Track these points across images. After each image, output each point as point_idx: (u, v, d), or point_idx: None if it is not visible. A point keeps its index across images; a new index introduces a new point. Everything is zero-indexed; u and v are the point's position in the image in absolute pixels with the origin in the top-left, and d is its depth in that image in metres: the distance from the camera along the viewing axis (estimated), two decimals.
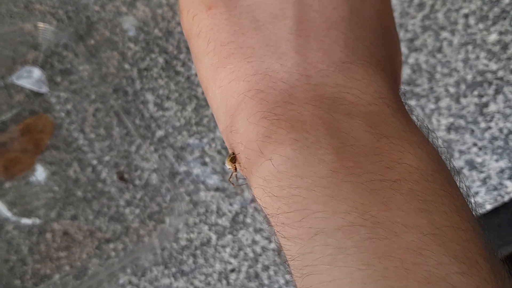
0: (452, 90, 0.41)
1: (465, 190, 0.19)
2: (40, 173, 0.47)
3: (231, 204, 0.45)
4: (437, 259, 0.16)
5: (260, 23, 0.20)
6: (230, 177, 0.23)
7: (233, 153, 0.21)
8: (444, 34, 0.41)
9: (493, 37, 0.40)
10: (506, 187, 0.41)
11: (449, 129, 0.40)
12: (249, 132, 0.20)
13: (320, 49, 0.20)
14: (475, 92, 0.41)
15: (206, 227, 0.46)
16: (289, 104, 0.19)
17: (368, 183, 0.17)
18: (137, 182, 0.47)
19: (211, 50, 0.21)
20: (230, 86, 0.21)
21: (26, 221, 0.48)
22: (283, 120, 0.19)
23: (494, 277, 0.17)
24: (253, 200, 0.45)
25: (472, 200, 0.19)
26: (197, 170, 0.45)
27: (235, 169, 0.22)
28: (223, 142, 0.45)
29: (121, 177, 0.47)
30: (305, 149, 0.18)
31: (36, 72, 0.48)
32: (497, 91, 0.40)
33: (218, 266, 0.46)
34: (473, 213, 0.19)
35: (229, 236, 0.45)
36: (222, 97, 0.21)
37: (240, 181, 0.22)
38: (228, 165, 0.22)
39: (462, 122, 0.41)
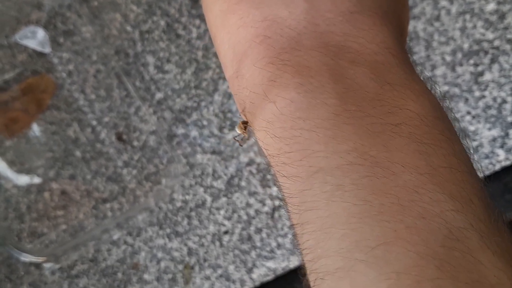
0: (448, 58, 0.41)
1: (466, 142, 0.20)
2: (40, 132, 0.48)
3: (226, 167, 0.46)
4: (432, 197, 0.17)
5: None
6: (241, 142, 0.23)
7: (245, 121, 0.22)
8: (443, 3, 0.41)
9: (491, 6, 0.41)
10: (498, 155, 0.41)
11: (443, 97, 0.41)
12: (255, 77, 0.20)
13: None
14: (471, 61, 0.41)
15: (201, 189, 0.46)
16: (295, 50, 0.20)
17: (369, 125, 0.18)
18: (135, 143, 0.48)
19: None
20: (238, 32, 0.21)
21: (25, 178, 0.48)
22: (289, 65, 0.19)
23: (487, 216, 0.17)
24: (249, 163, 0.46)
25: (472, 152, 0.20)
26: (194, 132, 0.46)
27: (245, 130, 0.22)
28: (221, 105, 0.46)
29: (119, 138, 0.48)
30: (309, 93, 0.19)
31: (40, 32, 0.49)
32: (493, 61, 0.41)
33: (212, 228, 0.46)
34: (471, 159, 0.19)
35: (224, 199, 0.46)
36: (230, 44, 0.21)
37: (249, 141, 0.23)
38: (239, 130, 0.22)
39: (457, 90, 0.41)
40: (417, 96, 0.19)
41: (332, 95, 0.18)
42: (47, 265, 0.47)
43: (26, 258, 0.44)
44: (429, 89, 0.20)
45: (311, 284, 0.18)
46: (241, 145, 0.24)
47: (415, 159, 0.17)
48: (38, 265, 0.47)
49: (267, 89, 0.19)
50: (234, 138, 0.44)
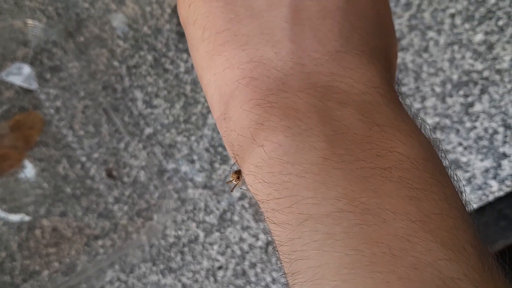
0: (438, 89, 0.41)
1: (457, 182, 0.19)
2: (29, 170, 0.48)
3: (218, 202, 0.46)
4: (424, 246, 0.16)
5: (256, 11, 0.20)
6: (233, 189, 0.23)
7: (239, 170, 0.21)
8: (431, 34, 0.41)
9: (479, 37, 0.40)
10: (491, 186, 0.41)
11: (434, 128, 0.41)
12: (242, 119, 0.20)
13: (315, 38, 0.20)
14: (461, 92, 0.41)
15: (194, 225, 0.46)
16: (282, 92, 0.19)
17: (359, 170, 0.18)
18: (125, 179, 0.47)
19: (207, 37, 0.21)
20: (224, 74, 0.21)
21: (15, 217, 0.48)
22: (276, 107, 0.19)
23: (481, 264, 0.17)
24: (241, 197, 0.45)
25: (464, 192, 0.19)
26: (185, 167, 0.46)
27: (239, 180, 0.22)
28: (211, 139, 0.46)
29: (109, 174, 0.47)
30: (297, 136, 0.18)
31: (26, 69, 0.48)
32: (483, 91, 0.41)
33: (205, 263, 0.46)
34: (463, 202, 0.19)
35: (217, 234, 0.46)
36: (217, 85, 0.21)
37: (244, 186, 0.22)
38: (232, 178, 0.22)
39: (447, 121, 0.41)
40: (406, 137, 0.18)
41: (321, 138, 0.18)
42: None
43: None
44: (419, 127, 0.20)
45: None
46: (232, 191, 0.24)
47: (406, 205, 0.17)
48: None
49: (255, 132, 0.19)
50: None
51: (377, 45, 0.21)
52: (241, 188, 0.23)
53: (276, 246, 0.19)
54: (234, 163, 0.22)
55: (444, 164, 0.19)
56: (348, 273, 0.16)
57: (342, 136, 0.18)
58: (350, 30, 0.20)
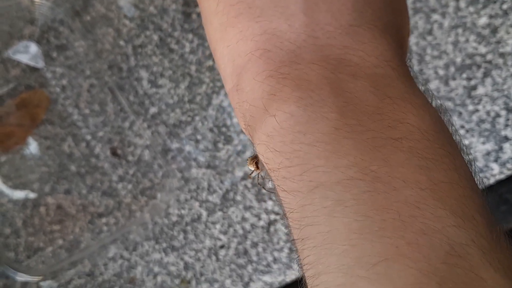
0: (441, 72, 0.41)
1: (466, 155, 0.20)
2: (34, 147, 0.48)
3: (222, 182, 0.46)
4: (434, 213, 0.17)
5: None
6: (258, 179, 0.23)
7: (255, 155, 0.22)
8: (435, 17, 0.41)
9: (483, 20, 0.41)
10: (492, 169, 0.41)
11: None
12: (254, 90, 0.20)
13: (329, 11, 0.20)
14: (464, 75, 0.41)
15: (197, 204, 0.46)
16: (295, 64, 0.20)
17: (370, 140, 0.18)
18: (130, 158, 0.48)
19: (221, 10, 0.21)
20: (237, 46, 0.21)
21: (20, 194, 0.48)
22: (288, 79, 0.19)
23: (489, 232, 0.17)
24: (243, 177, 0.46)
25: (474, 164, 0.20)
26: (189, 147, 0.46)
27: (257, 168, 0.22)
28: (215, 120, 0.46)
29: (114, 153, 0.48)
30: (309, 107, 0.19)
31: (33, 47, 0.48)
32: (486, 74, 0.41)
33: (208, 242, 0.46)
34: (473, 174, 0.19)
35: (219, 213, 0.46)
36: (230, 57, 0.21)
37: (270, 183, 0.22)
38: (250, 166, 0.22)
39: (450, 104, 0.41)
40: (417, 109, 0.19)
41: (332, 109, 0.18)
42: (44, 283, 0.47)
43: (22, 277, 0.44)
44: (430, 102, 0.20)
45: None
46: (259, 184, 0.24)
47: (416, 174, 0.17)
48: (35, 283, 0.47)
49: (267, 103, 0.19)
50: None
51: (390, 21, 0.21)
52: (261, 179, 0.23)
53: (285, 214, 0.19)
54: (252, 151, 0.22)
55: (454, 138, 0.20)
56: (358, 238, 0.17)
57: (353, 107, 0.18)
58: (363, 5, 0.20)
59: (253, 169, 0.23)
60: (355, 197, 0.17)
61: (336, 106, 0.18)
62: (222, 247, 0.46)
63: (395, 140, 0.18)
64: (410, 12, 0.41)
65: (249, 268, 0.46)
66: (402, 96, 0.19)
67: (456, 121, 0.41)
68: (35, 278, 0.44)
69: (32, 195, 0.48)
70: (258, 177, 0.23)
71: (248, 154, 0.46)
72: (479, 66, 0.41)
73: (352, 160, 0.18)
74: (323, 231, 0.17)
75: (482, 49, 0.41)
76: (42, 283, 0.46)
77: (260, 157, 0.20)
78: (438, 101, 0.20)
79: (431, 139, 0.18)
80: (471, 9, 0.41)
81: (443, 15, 0.41)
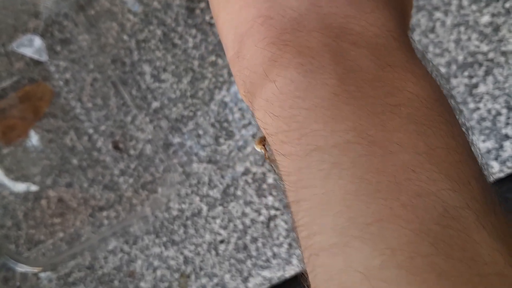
0: (443, 70, 0.42)
1: (465, 125, 0.20)
2: (36, 140, 0.48)
3: (222, 177, 0.46)
4: (429, 176, 0.17)
5: None
6: (269, 161, 0.23)
7: (264, 137, 0.22)
8: (438, 15, 0.41)
9: (485, 18, 0.41)
10: (492, 167, 0.42)
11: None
12: (256, 57, 0.20)
13: None
14: (466, 73, 0.41)
15: (197, 198, 0.47)
16: (297, 31, 0.20)
17: (369, 106, 0.18)
18: (131, 152, 0.48)
19: None
20: (240, 13, 0.21)
21: (22, 186, 0.48)
22: (290, 45, 0.19)
23: (484, 198, 0.17)
24: (244, 173, 0.46)
25: (472, 137, 0.20)
26: (190, 142, 0.46)
27: (265, 150, 0.22)
28: (217, 115, 0.46)
29: (116, 147, 0.48)
30: (309, 73, 0.19)
31: (37, 41, 0.49)
32: (487, 73, 0.41)
33: (208, 237, 0.47)
34: (470, 143, 0.19)
35: (220, 208, 0.46)
36: (232, 24, 0.21)
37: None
38: (257, 148, 0.23)
39: (451, 102, 0.42)
40: (417, 78, 0.19)
41: (332, 75, 0.19)
42: (44, 275, 0.47)
43: (22, 268, 0.44)
44: (430, 72, 0.20)
45: (305, 260, 0.18)
46: (268, 163, 0.24)
47: (413, 139, 0.17)
48: (35, 274, 0.47)
49: (268, 68, 0.20)
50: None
51: None
52: (268, 161, 0.23)
53: (282, 177, 0.19)
54: (258, 132, 0.22)
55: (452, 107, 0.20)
56: (352, 200, 0.17)
57: (353, 75, 0.19)
58: None
59: (260, 150, 0.23)
60: (352, 160, 0.17)
61: (336, 73, 0.19)
62: (222, 241, 0.46)
63: (393, 107, 0.18)
64: (413, 9, 0.42)
65: (249, 263, 0.46)
66: (403, 65, 0.19)
67: None
68: (34, 269, 0.45)
69: (33, 188, 0.48)
70: (266, 156, 0.23)
71: (249, 149, 0.46)
72: (480, 64, 0.41)
73: (350, 124, 0.18)
74: (318, 193, 0.18)
75: (484, 48, 0.41)
76: (41, 274, 0.47)
77: (259, 122, 0.20)
78: (440, 72, 0.20)
79: (430, 107, 0.18)
80: (474, 7, 0.41)
81: (446, 13, 0.41)
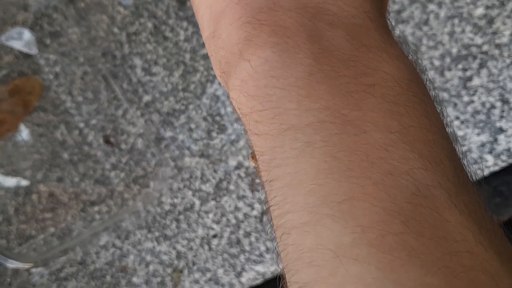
0: (437, 63, 0.41)
1: (439, 106, 0.20)
2: (27, 134, 0.48)
3: (215, 171, 0.46)
4: (402, 155, 0.17)
5: None
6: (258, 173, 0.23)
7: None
8: (431, 7, 0.41)
9: (479, 11, 0.40)
10: (486, 161, 0.41)
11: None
12: (231, 36, 0.20)
13: None
14: (460, 66, 0.41)
15: (190, 193, 0.46)
16: (272, 10, 0.20)
17: (343, 85, 0.18)
18: (123, 146, 0.47)
19: None
20: None
21: (12, 181, 0.48)
22: (265, 25, 0.19)
23: (457, 177, 0.17)
24: (237, 167, 0.46)
25: (447, 116, 0.20)
26: (182, 136, 0.46)
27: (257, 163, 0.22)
28: (209, 108, 0.46)
29: (107, 141, 0.48)
30: (284, 53, 0.19)
31: (26, 34, 0.48)
32: (481, 65, 0.41)
33: (200, 232, 0.46)
34: (445, 124, 0.19)
35: (212, 202, 0.46)
36: (208, 4, 0.21)
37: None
38: (253, 162, 0.22)
39: (445, 95, 0.41)
40: (393, 59, 0.19)
41: (308, 55, 0.19)
42: (35, 270, 0.47)
43: (13, 264, 0.44)
44: (406, 54, 0.20)
45: (278, 240, 0.18)
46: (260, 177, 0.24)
47: (387, 119, 0.17)
48: (26, 269, 0.47)
49: (243, 48, 0.19)
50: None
51: None
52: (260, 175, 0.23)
53: (256, 157, 0.20)
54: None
55: (428, 89, 0.20)
56: (325, 178, 0.17)
57: (329, 54, 0.19)
58: None
59: (255, 165, 0.23)
60: (325, 139, 0.17)
61: (312, 53, 0.19)
62: (214, 236, 0.46)
63: (368, 86, 0.18)
64: (406, 1, 0.41)
65: (242, 257, 0.46)
66: (378, 46, 0.19)
67: (451, 112, 0.41)
68: (26, 265, 0.44)
69: (24, 183, 0.48)
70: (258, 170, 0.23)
71: (242, 143, 0.46)
72: (475, 57, 0.41)
73: (324, 104, 0.18)
74: (291, 171, 0.18)
75: (478, 40, 0.41)
76: (33, 270, 0.46)
77: (233, 102, 0.20)
78: (417, 55, 0.20)
79: (405, 87, 0.18)
80: None
81: (440, 5, 0.41)
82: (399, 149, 0.17)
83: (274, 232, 0.19)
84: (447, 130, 0.19)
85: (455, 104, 0.41)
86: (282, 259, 0.18)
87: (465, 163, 0.19)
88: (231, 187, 0.46)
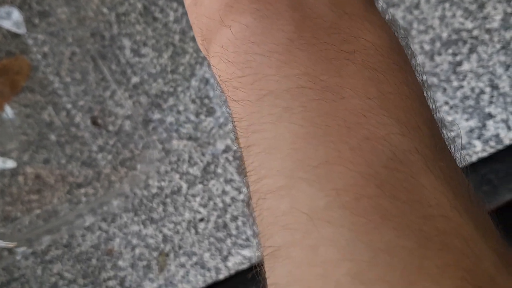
0: (427, 47, 0.41)
1: (421, 76, 0.20)
2: (13, 115, 0.47)
3: (203, 154, 0.45)
4: (379, 121, 0.17)
5: None
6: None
7: None
8: None
9: None
10: (475, 146, 0.41)
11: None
12: (212, 3, 0.20)
13: None
14: (450, 50, 0.41)
15: (177, 176, 0.46)
16: None
17: (323, 52, 0.18)
18: (110, 128, 0.47)
19: None
20: None
21: None
22: None
23: (434, 143, 0.17)
24: (225, 150, 0.45)
25: (427, 88, 0.20)
26: (170, 118, 0.45)
27: None
28: (198, 91, 0.45)
29: (94, 122, 0.47)
30: (265, 19, 0.19)
31: (15, 13, 0.48)
32: (471, 50, 0.40)
33: (187, 215, 0.46)
34: (425, 93, 0.19)
35: (200, 186, 0.46)
36: None
37: None
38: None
39: (435, 80, 0.41)
40: (375, 27, 0.19)
41: (289, 21, 0.19)
42: (20, 250, 0.46)
43: None
44: (388, 23, 0.20)
45: (254, 206, 0.18)
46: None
47: (366, 86, 0.17)
48: (10, 250, 0.46)
49: (224, 14, 0.19)
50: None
51: None
52: None
53: (234, 123, 0.19)
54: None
55: (409, 58, 0.20)
56: (301, 143, 0.17)
57: (310, 22, 0.19)
58: None
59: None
60: (303, 104, 0.17)
61: (293, 20, 0.19)
62: (201, 220, 0.46)
63: (348, 53, 0.18)
64: None
65: (228, 242, 0.45)
66: (361, 14, 0.19)
67: (440, 97, 0.41)
68: (9, 244, 0.44)
69: (10, 164, 0.47)
70: None
71: (230, 126, 0.45)
72: (465, 42, 0.41)
73: (303, 70, 0.18)
74: (268, 137, 0.18)
75: (469, 25, 0.40)
76: (17, 249, 0.46)
77: (213, 69, 0.20)
78: (399, 26, 0.21)
79: (385, 55, 0.18)
80: None
81: None
82: (376, 115, 0.17)
83: (251, 199, 0.19)
84: (434, 116, 0.19)
85: (445, 89, 0.41)
86: (258, 225, 0.18)
87: (444, 133, 0.19)
88: (219, 170, 0.45)
